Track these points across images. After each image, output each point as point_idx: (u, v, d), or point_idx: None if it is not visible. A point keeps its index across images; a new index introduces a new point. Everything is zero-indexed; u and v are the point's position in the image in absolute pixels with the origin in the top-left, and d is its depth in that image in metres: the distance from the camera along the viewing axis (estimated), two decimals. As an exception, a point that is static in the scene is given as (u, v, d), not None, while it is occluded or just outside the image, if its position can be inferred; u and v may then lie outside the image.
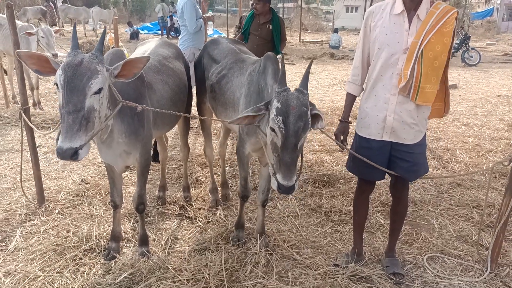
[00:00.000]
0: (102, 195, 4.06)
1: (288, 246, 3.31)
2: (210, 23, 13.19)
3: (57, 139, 2.25)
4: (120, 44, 9.38)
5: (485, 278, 3.01)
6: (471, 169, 5.06)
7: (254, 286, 2.81)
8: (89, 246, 3.17)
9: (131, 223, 3.60)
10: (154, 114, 3.05)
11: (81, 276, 2.83)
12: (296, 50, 17.96)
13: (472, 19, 30.40)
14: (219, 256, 3.05)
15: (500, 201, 3.14)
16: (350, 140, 3.10)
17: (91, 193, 4.08)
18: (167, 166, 4.68)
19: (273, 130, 2.40)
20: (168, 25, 20.72)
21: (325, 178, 4.58)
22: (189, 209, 3.88)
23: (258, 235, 3.30)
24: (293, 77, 11.16)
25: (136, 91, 2.80)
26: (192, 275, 2.87)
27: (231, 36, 11.32)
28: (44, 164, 4.73)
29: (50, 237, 3.31)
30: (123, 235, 3.33)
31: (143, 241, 3.18)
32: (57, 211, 3.72)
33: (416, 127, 2.68)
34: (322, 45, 20.72)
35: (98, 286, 2.73)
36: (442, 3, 2.61)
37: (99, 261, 3.03)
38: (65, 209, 3.78)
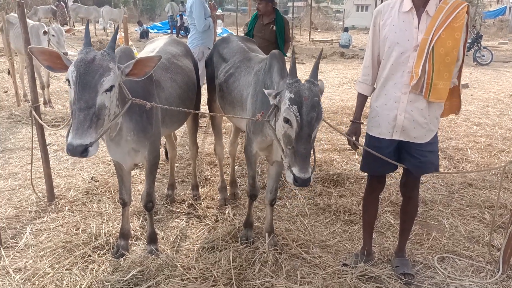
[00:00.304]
0: (111, 193, 4.07)
1: (296, 246, 3.29)
2: (219, 21, 13.20)
3: (67, 136, 2.25)
4: (130, 43, 9.39)
5: (496, 279, 2.97)
6: (482, 169, 4.99)
7: (262, 285, 2.80)
8: (98, 243, 3.19)
9: (140, 221, 3.61)
10: (162, 112, 3.05)
11: (90, 273, 2.84)
12: (306, 49, 17.89)
13: (484, 18, 30.04)
14: (227, 254, 3.04)
15: (513, 201, 3.10)
16: (362, 141, 3.07)
17: (101, 191, 4.10)
18: (176, 164, 4.68)
19: (286, 121, 2.39)
20: (178, 24, 20.77)
21: (335, 177, 4.55)
22: (198, 208, 3.88)
23: (266, 234, 3.29)
24: (302, 76, 11.04)
25: (144, 89, 2.80)
26: (201, 273, 2.87)
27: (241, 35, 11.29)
28: (54, 162, 4.76)
29: (60, 235, 3.33)
30: (132, 233, 3.34)
31: (152, 239, 3.19)
32: (66, 208, 3.74)
33: (427, 126, 2.65)
34: (332, 44, 20.60)
35: (107, 284, 2.74)
36: None
37: (108, 258, 3.04)
38: (75, 206, 3.80)
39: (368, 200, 3.07)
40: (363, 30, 28.64)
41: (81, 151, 2.15)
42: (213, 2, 6.29)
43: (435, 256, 3.23)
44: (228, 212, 3.83)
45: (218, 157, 4.22)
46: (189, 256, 3.12)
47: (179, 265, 2.93)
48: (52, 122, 6.15)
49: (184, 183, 4.49)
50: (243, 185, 4.40)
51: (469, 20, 2.57)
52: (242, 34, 6.63)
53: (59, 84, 8.72)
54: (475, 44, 15.25)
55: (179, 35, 20.19)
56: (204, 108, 5.39)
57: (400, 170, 2.94)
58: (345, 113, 7.21)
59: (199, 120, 4.64)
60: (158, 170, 3.37)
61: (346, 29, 20.78)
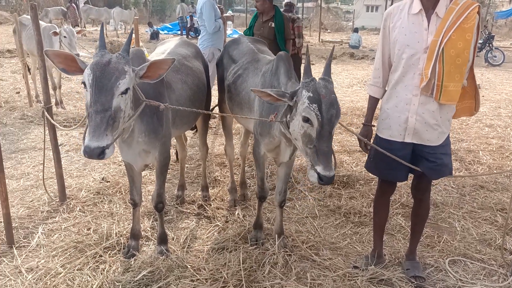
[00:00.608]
0: (122, 193, 4.10)
1: (306, 247, 3.28)
2: (229, 23, 13.21)
3: (84, 138, 2.27)
4: (141, 44, 9.45)
5: (509, 283, 2.93)
6: (495, 171, 4.94)
7: (272, 286, 2.80)
8: (109, 243, 3.21)
9: (150, 221, 3.63)
10: (173, 114, 3.06)
11: (101, 274, 2.86)
12: (316, 50, 17.84)
13: (496, 18, 29.75)
14: (237, 256, 3.04)
15: (526, 204, 3.06)
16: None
17: (111, 192, 4.12)
18: (186, 165, 4.70)
19: (306, 120, 2.38)
20: (188, 25, 20.85)
21: (345, 179, 4.54)
22: (208, 209, 3.89)
23: (276, 235, 3.29)
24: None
25: (155, 90, 2.81)
26: (211, 274, 2.87)
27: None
28: (66, 162, 4.80)
29: (71, 235, 3.35)
30: (142, 233, 3.35)
31: (162, 239, 3.20)
32: (78, 208, 3.77)
33: (439, 128, 2.63)
34: (342, 44, 20.53)
35: (117, 284, 2.75)
36: None
37: (119, 258, 3.06)
38: (86, 206, 3.83)
39: (378, 202, 3.05)
40: (373, 31, 28.51)
41: (98, 153, 2.17)
42: (221, 6, 6.30)
43: (446, 259, 3.20)
44: (238, 213, 3.83)
45: (228, 158, 4.22)
46: (199, 257, 3.13)
47: (189, 266, 2.94)
48: (64, 123, 6.20)
49: (194, 184, 4.50)
50: (253, 186, 4.41)
51: (480, 21, 2.54)
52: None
53: (70, 85, 8.80)
54: (487, 44, 15.12)
55: (189, 36, 20.27)
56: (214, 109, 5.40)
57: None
58: (355, 114, 7.18)
59: (209, 121, 4.65)
60: (168, 171, 3.38)
61: (356, 30, 20.72)
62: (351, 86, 10.55)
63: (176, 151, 4.57)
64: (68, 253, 3.08)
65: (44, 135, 3.81)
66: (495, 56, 14.94)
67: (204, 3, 5.69)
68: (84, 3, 22.51)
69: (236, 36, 5.38)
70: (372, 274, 2.92)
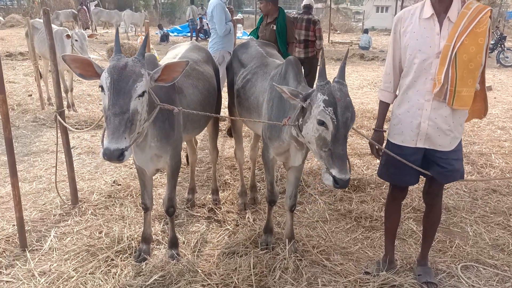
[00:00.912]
0: (133, 196, 4.12)
1: (317, 252, 3.27)
2: (239, 25, 13.23)
3: (102, 141, 2.30)
4: (151, 46, 9.50)
5: (523, 289, 2.90)
6: (507, 174, 4.89)
7: (283, 292, 2.79)
8: (121, 247, 3.23)
9: (161, 225, 3.64)
10: (184, 118, 3.08)
11: (113, 278, 2.88)
12: (325, 51, 17.76)
13: (508, 18, 29.43)
14: (248, 260, 3.05)
15: (540, 210, 3.02)
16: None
17: (123, 195, 4.15)
18: (196, 168, 4.71)
19: (321, 123, 2.37)
20: (198, 27, 20.91)
21: (355, 182, 4.51)
22: (218, 212, 3.90)
23: (287, 240, 3.28)
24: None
25: (167, 95, 2.83)
26: (221, 279, 2.88)
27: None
28: (78, 165, 4.84)
29: (83, 238, 3.38)
30: (153, 237, 3.37)
31: (173, 243, 3.21)
32: (90, 212, 3.80)
33: (452, 133, 2.61)
34: (351, 46, 20.43)
35: (129, 288, 2.77)
36: (474, 2, 2.52)
37: (130, 262, 3.08)
38: (98, 210, 3.86)
39: (390, 208, 3.03)
40: (383, 32, 28.35)
41: (118, 156, 2.19)
42: (231, 7, 6.32)
43: (458, 264, 3.17)
44: (248, 217, 3.83)
45: (238, 162, 4.23)
46: (209, 262, 3.13)
47: (200, 271, 2.95)
48: (76, 125, 6.25)
49: (204, 187, 4.51)
50: (263, 189, 4.40)
51: (491, 25, 2.52)
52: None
53: (82, 88, 8.87)
54: (499, 45, 14.94)
55: (199, 38, 20.33)
56: (224, 111, 5.41)
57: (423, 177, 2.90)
58: (365, 116, 7.13)
59: (219, 124, 4.66)
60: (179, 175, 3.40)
61: (366, 31, 20.58)
62: (361, 87, 10.50)
63: (187, 154, 4.59)
64: (80, 257, 3.11)
65: (57, 140, 3.85)
66: (507, 57, 14.76)
67: (215, 6, 5.71)
68: (95, 6, 22.73)
69: (245, 37, 5.37)
70: (383, 280, 2.90)
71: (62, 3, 24.81)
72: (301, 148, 2.91)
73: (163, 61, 3.45)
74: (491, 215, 3.96)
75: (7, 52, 13.21)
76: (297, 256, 3.15)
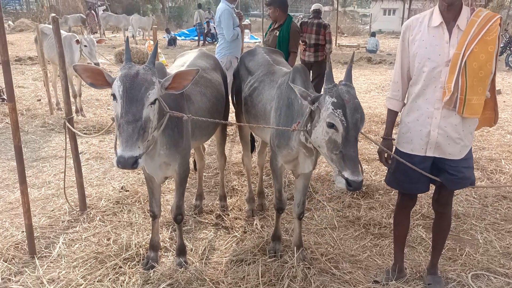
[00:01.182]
0: (141, 203, 4.13)
1: (326, 260, 3.25)
2: (247, 31, 13.22)
3: (115, 149, 2.30)
4: (158, 51, 9.54)
5: (535, 299, 2.86)
6: (518, 181, 4.84)
7: (291, 301, 2.78)
8: (129, 255, 3.23)
9: (169, 232, 3.64)
10: (192, 125, 3.08)
11: (121, 286, 2.89)
12: (332, 54, 17.70)
13: (517, 21, 29.20)
14: (256, 268, 3.03)
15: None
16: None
17: (131, 201, 4.15)
18: (204, 174, 4.71)
19: (331, 126, 2.36)
20: (205, 31, 20.98)
21: (364, 188, 4.48)
22: (226, 219, 3.89)
23: (295, 248, 3.26)
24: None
25: (175, 102, 2.83)
26: (229, 288, 2.87)
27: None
28: (86, 171, 4.86)
29: (92, 245, 3.39)
30: (161, 244, 3.37)
31: (181, 251, 3.21)
32: (98, 218, 3.81)
33: (462, 141, 2.58)
34: (358, 49, 20.38)
35: (137, 296, 2.77)
36: (484, 10, 2.50)
37: (138, 270, 3.08)
38: (106, 216, 3.87)
39: (399, 216, 3.00)
40: (390, 35, 28.27)
41: (132, 163, 2.20)
42: (239, 11, 6.31)
43: (469, 273, 3.14)
44: (256, 224, 3.82)
45: (246, 168, 4.23)
46: (217, 269, 3.12)
47: (207, 279, 2.94)
48: (84, 130, 6.28)
49: (212, 193, 4.51)
50: (270, 195, 4.39)
51: (501, 31, 2.49)
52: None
53: (90, 93, 8.91)
54: (508, 48, 14.82)
55: (206, 42, 20.39)
56: (231, 117, 5.41)
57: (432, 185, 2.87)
58: (373, 121, 7.09)
59: (226, 131, 4.66)
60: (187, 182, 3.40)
61: (373, 34, 20.52)
62: (369, 91, 10.44)
63: (194, 161, 4.59)
64: (89, 264, 3.11)
65: (65, 146, 3.86)
66: (516, 60, 14.63)
67: (223, 12, 5.72)
68: (103, 10, 22.90)
69: (253, 41, 5.36)
70: (393, 289, 2.87)
71: (71, 8, 25.06)
72: (310, 155, 2.90)
73: (171, 69, 3.46)
74: (502, 222, 3.91)
75: (16, 56, 13.33)
76: (306, 264, 3.13)
